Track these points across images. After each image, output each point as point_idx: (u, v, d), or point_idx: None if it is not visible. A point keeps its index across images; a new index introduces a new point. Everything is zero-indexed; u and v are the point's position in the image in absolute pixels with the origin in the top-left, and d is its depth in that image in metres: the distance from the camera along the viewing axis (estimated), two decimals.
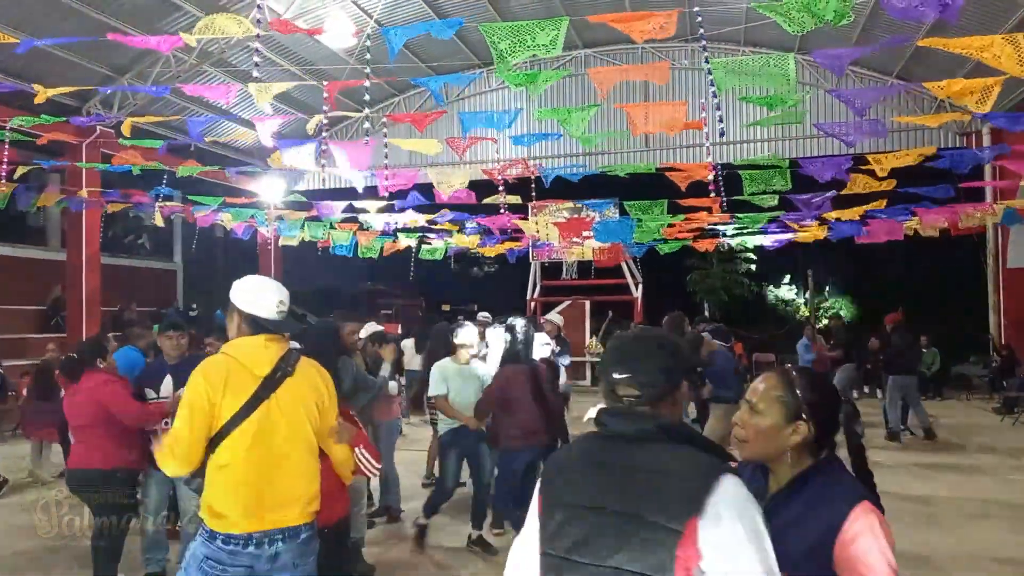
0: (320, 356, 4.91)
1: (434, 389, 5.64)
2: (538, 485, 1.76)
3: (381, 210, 11.98)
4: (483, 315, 10.31)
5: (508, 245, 14.73)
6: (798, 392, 1.85)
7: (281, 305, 2.86)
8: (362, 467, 3.59)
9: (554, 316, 10.66)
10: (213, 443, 2.69)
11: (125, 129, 8.36)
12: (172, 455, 2.68)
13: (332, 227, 13.56)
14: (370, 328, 6.83)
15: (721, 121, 6.06)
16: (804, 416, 1.82)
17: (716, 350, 6.95)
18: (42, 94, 7.09)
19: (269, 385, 2.74)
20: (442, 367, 5.70)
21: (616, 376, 1.66)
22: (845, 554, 1.68)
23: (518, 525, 5.03)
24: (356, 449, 3.43)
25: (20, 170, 9.90)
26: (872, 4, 11.94)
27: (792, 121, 10.53)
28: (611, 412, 1.69)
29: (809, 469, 1.84)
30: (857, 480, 1.87)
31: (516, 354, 5.41)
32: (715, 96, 5.97)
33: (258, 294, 2.85)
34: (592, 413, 1.79)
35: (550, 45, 5.37)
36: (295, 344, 3.28)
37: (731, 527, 1.47)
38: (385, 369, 5.72)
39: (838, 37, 12.65)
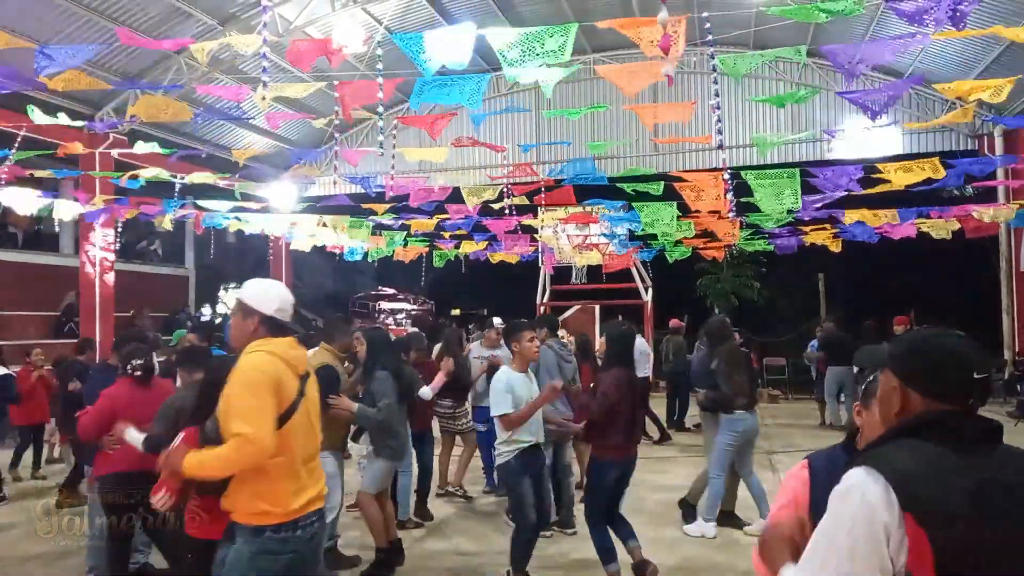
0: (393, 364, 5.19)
1: (499, 406, 4.59)
2: (913, 530, 1.37)
3: (390, 212, 12.02)
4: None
5: (518, 252, 14.74)
6: None
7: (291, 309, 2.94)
8: None
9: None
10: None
11: (130, 111, 8.47)
12: (262, 443, 2.57)
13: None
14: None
15: (720, 133, 6.05)
16: None
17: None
18: (54, 83, 7.11)
19: (303, 384, 2.83)
20: (507, 378, 4.66)
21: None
22: None
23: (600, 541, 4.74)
24: None
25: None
26: (880, 8, 11.87)
27: (806, 139, 10.48)
28: (980, 418, 1.54)
29: None
30: None
31: (620, 357, 4.97)
32: (717, 95, 5.98)
33: (280, 299, 2.89)
34: None
35: (559, 51, 5.25)
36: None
37: None
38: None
39: (847, 41, 12.60)
